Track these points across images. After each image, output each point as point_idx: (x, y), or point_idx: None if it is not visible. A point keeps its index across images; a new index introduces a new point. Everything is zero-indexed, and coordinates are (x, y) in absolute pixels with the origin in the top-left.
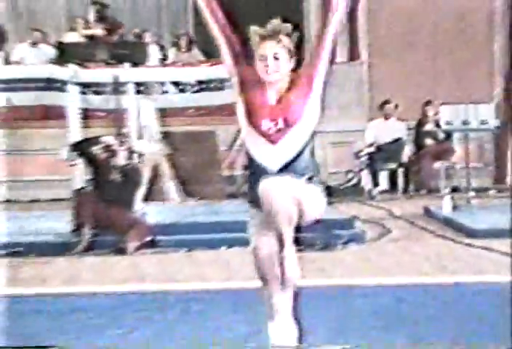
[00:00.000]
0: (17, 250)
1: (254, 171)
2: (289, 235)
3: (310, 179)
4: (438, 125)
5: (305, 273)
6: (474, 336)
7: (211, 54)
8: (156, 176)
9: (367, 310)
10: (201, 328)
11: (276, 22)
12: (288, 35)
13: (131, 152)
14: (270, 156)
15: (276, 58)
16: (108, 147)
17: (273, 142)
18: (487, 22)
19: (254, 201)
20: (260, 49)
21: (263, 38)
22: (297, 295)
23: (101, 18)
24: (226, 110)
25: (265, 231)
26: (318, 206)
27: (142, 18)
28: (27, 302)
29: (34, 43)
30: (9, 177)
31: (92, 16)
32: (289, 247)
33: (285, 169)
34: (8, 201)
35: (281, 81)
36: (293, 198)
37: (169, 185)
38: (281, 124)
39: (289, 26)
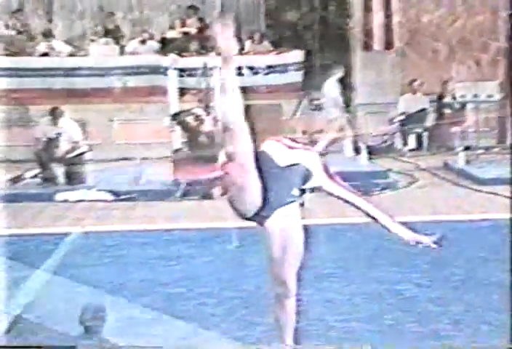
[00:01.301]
0: (131, 196)
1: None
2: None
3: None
4: (454, 98)
5: (349, 213)
6: (481, 259)
7: (277, 45)
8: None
9: (399, 242)
10: None
11: None
12: None
13: (216, 120)
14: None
15: None
16: (198, 117)
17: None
18: (493, 17)
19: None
20: None
21: None
22: None
23: (194, 19)
24: (289, 88)
25: None
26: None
27: None
28: (138, 236)
29: (143, 41)
30: (125, 140)
31: (187, 17)
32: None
33: None
34: (124, 158)
35: None
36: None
37: (348, 143)
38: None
39: None
